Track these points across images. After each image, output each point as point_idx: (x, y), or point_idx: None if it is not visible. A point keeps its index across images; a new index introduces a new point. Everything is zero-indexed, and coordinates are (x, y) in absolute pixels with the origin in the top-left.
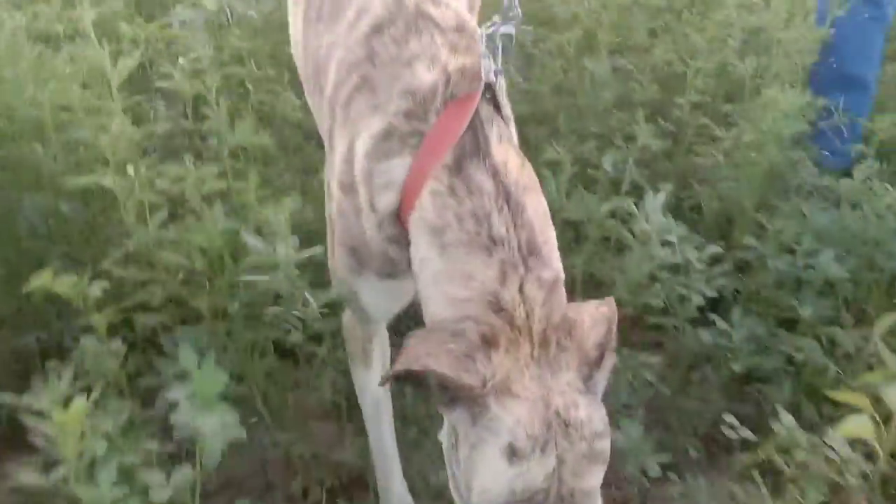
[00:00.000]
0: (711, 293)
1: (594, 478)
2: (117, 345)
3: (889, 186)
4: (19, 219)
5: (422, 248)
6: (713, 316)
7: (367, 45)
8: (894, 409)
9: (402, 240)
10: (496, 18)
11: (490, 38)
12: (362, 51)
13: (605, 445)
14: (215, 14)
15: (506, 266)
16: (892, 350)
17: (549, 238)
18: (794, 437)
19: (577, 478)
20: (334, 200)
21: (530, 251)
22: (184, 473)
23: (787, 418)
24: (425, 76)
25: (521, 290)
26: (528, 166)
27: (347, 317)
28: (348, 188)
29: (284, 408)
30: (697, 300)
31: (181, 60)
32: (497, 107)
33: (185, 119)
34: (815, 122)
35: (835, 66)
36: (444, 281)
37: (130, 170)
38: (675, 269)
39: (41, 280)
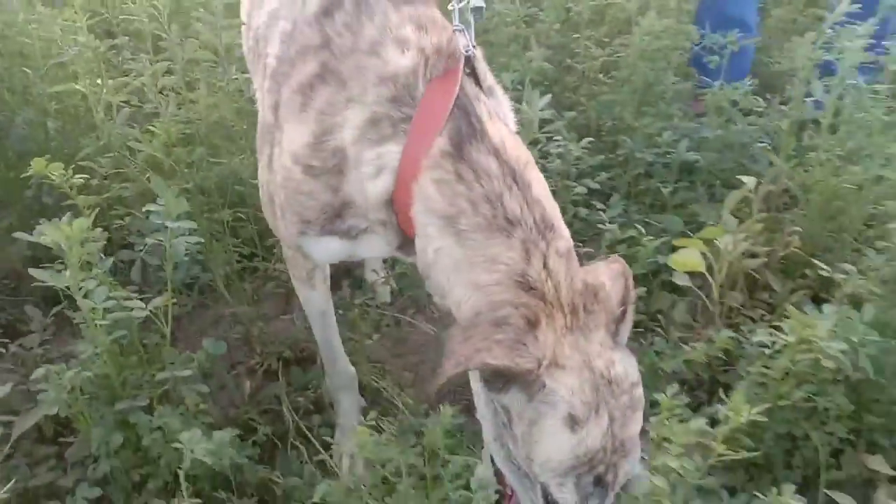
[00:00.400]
0: (594, 186)
1: (637, 424)
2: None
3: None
4: (13, 130)
5: (434, 239)
6: (593, 201)
7: (321, 29)
8: (723, 251)
9: (393, 222)
10: None
11: (462, 11)
12: (315, 35)
13: (641, 392)
14: None
15: (528, 244)
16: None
17: (556, 208)
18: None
19: (625, 428)
20: (280, 174)
21: (546, 226)
22: (159, 300)
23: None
24: (401, 61)
25: (545, 265)
26: (518, 137)
27: (290, 252)
28: (318, 171)
29: (243, 292)
30: (581, 189)
31: None
32: (478, 81)
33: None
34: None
35: (715, 7)
36: (467, 268)
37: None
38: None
39: (37, 166)
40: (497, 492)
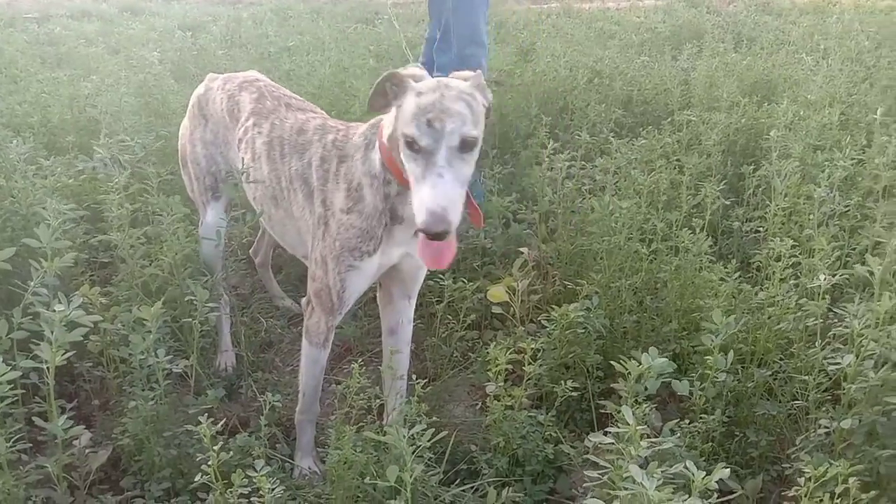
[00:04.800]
0: None
1: (460, 106)
2: None
3: None
4: None
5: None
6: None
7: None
8: (518, 289)
9: (389, 173)
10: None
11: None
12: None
13: (474, 98)
14: None
15: None
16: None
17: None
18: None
19: (450, 103)
20: (335, 229)
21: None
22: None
23: None
24: (354, 137)
25: None
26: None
27: (314, 320)
28: (353, 209)
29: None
30: None
31: None
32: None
33: None
34: None
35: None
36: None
37: None
38: None
39: None
40: None
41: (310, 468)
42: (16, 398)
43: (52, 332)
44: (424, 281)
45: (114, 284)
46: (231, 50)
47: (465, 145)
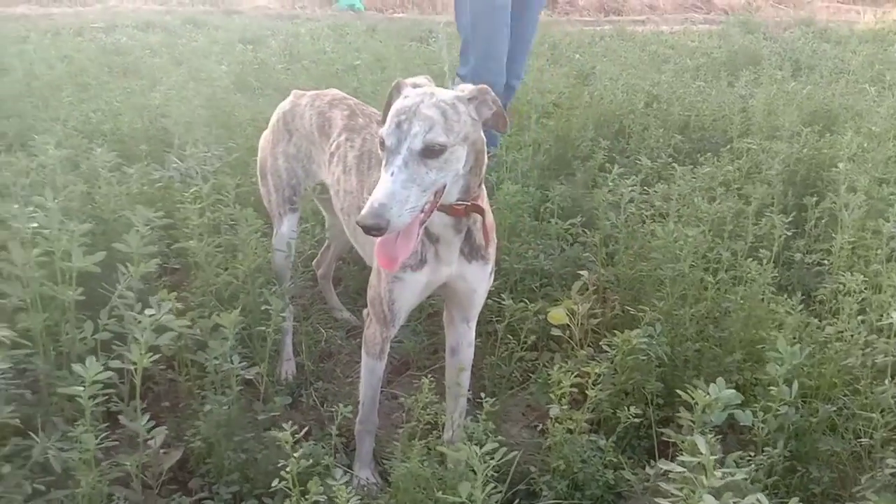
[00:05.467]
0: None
1: (433, 111)
2: None
3: None
4: None
5: None
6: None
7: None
8: (577, 312)
9: None
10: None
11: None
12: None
13: (452, 107)
14: None
15: None
16: None
17: None
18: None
19: (423, 108)
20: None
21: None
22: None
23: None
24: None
25: None
26: None
27: (371, 331)
28: None
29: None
30: None
31: None
32: None
33: None
34: None
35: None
36: None
37: None
38: None
39: None
40: None
41: (368, 479)
42: (106, 397)
43: (141, 335)
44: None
45: (189, 290)
46: (291, 65)
47: (430, 151)
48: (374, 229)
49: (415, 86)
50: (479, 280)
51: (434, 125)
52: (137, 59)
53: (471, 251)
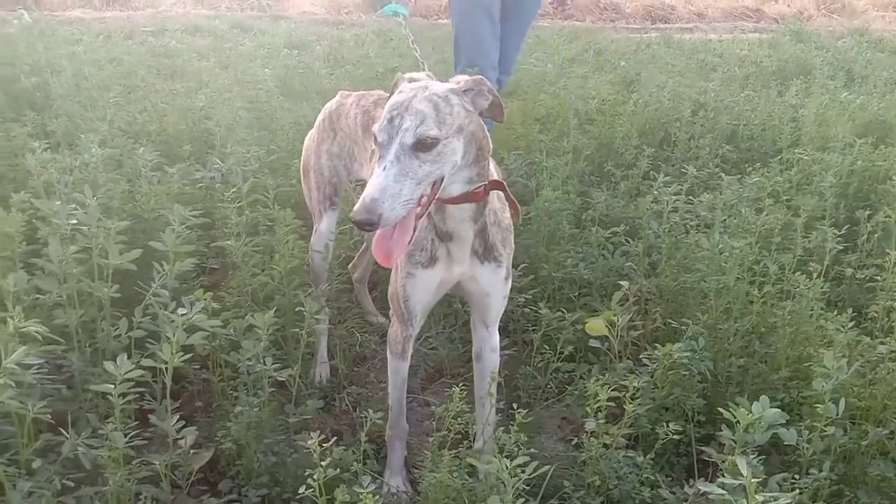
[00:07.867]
0: (528, 296)
1: (425, 104)
2: None
3: None
4: None
5: None
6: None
7: None
8: (616, 323)
9: None
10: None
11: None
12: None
13: (446, 101)
14: None
15: None
16: None
17: None
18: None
19: (415, 102)
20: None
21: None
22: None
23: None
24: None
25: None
26: None
27: (392, 331)
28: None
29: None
30: (521, 298)
31: None
32: None
33: None
34: None
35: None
36: None
37: None
38: None
39: None
40: None
41: (398, 487)
42: (137, 395)
43: (173, 334)
44: (520, 308)
45: (226, 290)
46: (335, 69)
47: (422, 145)
48: (366, 224)
49: (411, 80)
50: (491, 283)
51: (425, 119)
52: (185, 62)
53: (484, 251)
